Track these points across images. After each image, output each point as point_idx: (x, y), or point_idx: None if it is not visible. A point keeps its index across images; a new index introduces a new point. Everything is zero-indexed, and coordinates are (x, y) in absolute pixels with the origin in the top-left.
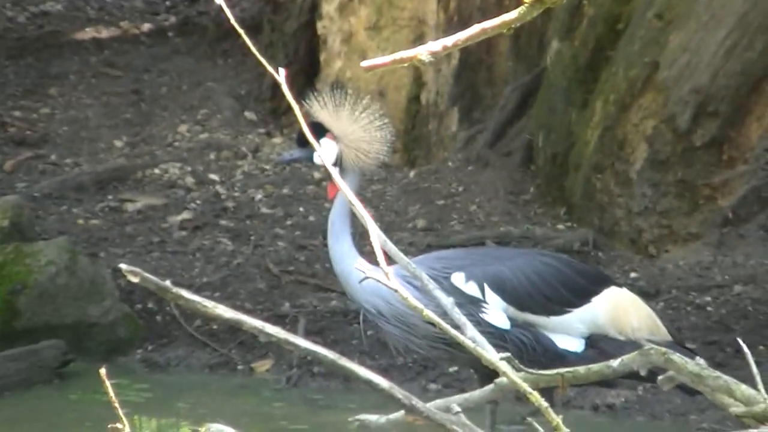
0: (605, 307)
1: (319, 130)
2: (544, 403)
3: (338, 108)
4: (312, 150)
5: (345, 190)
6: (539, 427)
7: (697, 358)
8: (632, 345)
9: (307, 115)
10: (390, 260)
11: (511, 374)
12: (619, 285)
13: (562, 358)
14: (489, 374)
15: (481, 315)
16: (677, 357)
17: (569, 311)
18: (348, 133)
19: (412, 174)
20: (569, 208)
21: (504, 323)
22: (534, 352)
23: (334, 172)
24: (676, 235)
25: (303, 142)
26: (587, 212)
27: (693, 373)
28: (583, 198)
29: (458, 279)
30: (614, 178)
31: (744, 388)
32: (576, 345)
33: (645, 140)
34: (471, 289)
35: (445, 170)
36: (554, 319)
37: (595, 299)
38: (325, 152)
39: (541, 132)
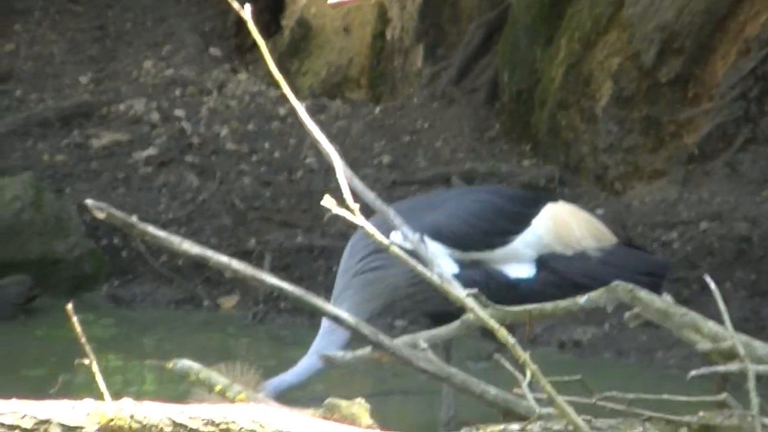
0: (546, 225)
1: None
2: (511, 340)
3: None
4: None
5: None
6: (507, 364)
7: (664, 294)
8: (581, 257)
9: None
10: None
11: (478, 311)
12: (555, 199)
13: (516, 287)
14: (439, 321)
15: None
16: (644, 294)
17: (512, 239)
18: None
19: (377, 110)
20: (534, 145)
21: (452, 268)
22: (488, 288)
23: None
24: (641, 171)
25: None
26: (553, 149)
27: (660, 309)
28: (548, 135)
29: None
30: (579, 114)
31: (711, 325)
32: (527, 271)
33: (610, 77)
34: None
35: (411, 107)
36: (499, 251)
37: (534, 221)
38: None
39: (506, 69)
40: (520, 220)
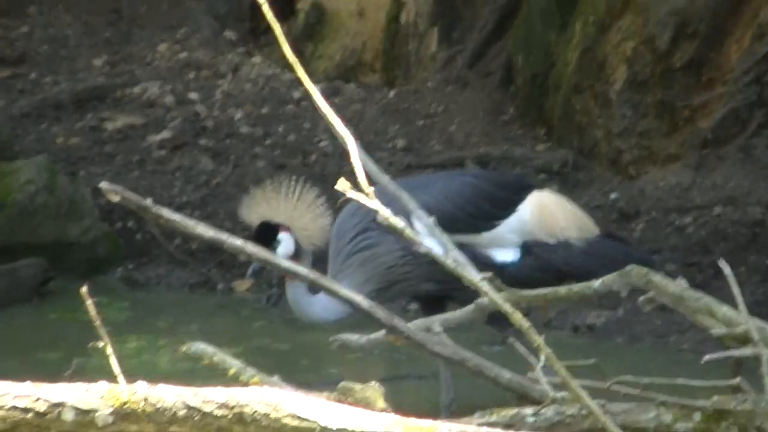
0: (531, 211)
1: (270, 229)
2: (526, 323)
3: (282, 200)
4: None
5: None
6: (521, 348)
7: (678, 278)
8: (564, 246)
9: (256, 213)
10: (371, 180)
11: (492, 294)
12: (540, 188)
13: (501, 271)
14: (430, 303)
15: (413, 247)
16: (658, 278)
17: (497, 224)
18: (297, 220)
19: (391, 94)
20: (549, 129)
21: (438, 249)
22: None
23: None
24: (655, 156)
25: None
26: (567, 133)
27: (674, 294)
28: (562, 119)
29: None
30: (594, 99)
31: (725, 309)
32: (512, 255)
33: (625, 61)
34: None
35: (425, 90)
36: (485, 235)
37: (520, 207)
38: (285, 246)
39: (521, 53)
40: (505, 205)
